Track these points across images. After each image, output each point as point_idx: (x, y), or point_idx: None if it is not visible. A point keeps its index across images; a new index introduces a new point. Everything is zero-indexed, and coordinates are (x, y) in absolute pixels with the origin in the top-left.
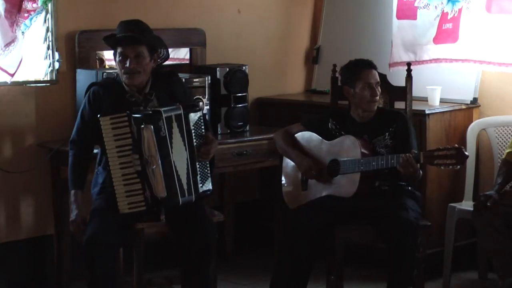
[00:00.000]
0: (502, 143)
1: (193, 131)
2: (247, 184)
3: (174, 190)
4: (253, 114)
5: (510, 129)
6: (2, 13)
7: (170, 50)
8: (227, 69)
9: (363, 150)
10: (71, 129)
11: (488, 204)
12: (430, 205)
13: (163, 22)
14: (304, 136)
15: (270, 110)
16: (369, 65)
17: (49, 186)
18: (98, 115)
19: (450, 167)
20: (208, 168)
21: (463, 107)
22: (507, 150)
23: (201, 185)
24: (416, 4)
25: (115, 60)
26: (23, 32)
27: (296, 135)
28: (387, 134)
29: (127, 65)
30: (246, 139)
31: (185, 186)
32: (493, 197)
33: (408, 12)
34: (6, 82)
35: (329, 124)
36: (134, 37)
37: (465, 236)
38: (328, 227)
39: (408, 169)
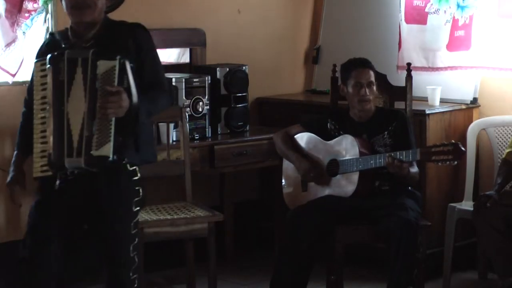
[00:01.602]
0: (502, 143)
1: (100, 81)
2: (247, 184)
3: (61, 147)
4: (253, 114)
5: (510, 129)
6: (3, 13)
7: (170, 50)
8: (227, 69)
9: (361, 150)
10: None
11: (488, 204)
12: (430, 205)
13: (163, 22)
14: (303, 136)
15: (270, 110)
16: (362, 64)
17: None
18: (35, 60)
19: (448, 163)
20: (111, 131)
21: (463, 107)
22: (507, 150)
23: (96, 148)
24: (427, 10)
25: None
26: (24, 32)
27: (295, 136)
28: (386, 133)
29: None
30: (246, 139)
31: (75, 144)
32: (493, 197)
33: (417, 17)
34: (7, 82)
35: (328, 124)
36: None
37: (465, 236)
38: (328, 227)
39: (393, 168)
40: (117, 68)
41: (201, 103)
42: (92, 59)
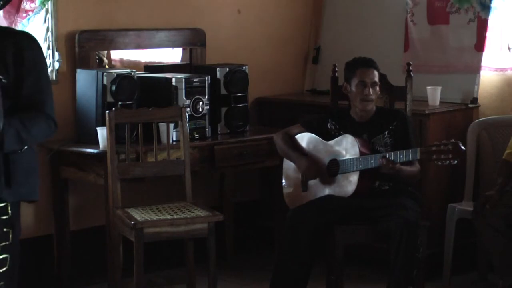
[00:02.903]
0: (502, 143)
1: None
2: (247, 184)
3: None
4: (253, 114)
5: (510, 129)
6: (1, 13)
7: (170, 50)
8: (227, 69)
9: (362, 149)
10: (71, 129)
11: (487, 206)
12: (430, 205)
13: (163, 22)
14: (304, 136)
15: (270, 110)
16: (367, 63)
17: (49, 186)
18: None
19: (448, 162)
20: None
21: (463, 107)
22: (507, 151)
23: None
24: (448, 9)
25: None
26: None
27: (296, 136)
28: (386, 132)
29: None
30: (246, 139)
31: None
32: (493, 198)
33: (439, 18)
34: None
35: (329, 124)
36: None
37: (465, 236)
38: (328, 227)
39: (387, 169)
40: None
41: (201, 103)
42: None
